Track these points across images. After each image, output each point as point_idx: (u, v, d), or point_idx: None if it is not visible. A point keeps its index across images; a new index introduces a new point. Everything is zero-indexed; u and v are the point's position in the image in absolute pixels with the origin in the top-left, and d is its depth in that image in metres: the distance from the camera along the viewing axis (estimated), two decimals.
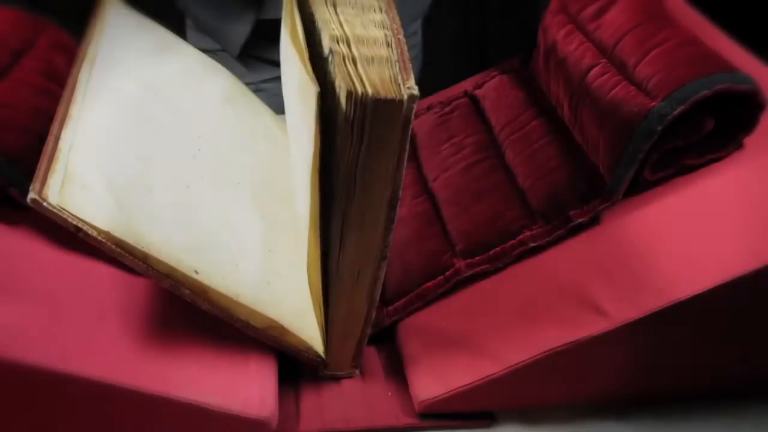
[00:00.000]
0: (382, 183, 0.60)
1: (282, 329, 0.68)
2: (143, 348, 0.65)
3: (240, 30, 1.10)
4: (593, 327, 0.66)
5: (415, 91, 0.55)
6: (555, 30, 0.85)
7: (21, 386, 0.61)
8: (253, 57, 1.17)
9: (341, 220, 0.62)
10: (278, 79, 1.18)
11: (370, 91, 0.55)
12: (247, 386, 0.66)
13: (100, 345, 0.63)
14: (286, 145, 0.89)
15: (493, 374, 0.68)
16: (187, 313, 0.66)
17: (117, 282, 0.69)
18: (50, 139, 0.65)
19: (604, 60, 0.78)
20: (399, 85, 0.56)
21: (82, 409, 0.64)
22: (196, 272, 0.64)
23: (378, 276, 0.67)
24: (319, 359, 0.71)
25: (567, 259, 0.73)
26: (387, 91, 0.55)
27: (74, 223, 0.59)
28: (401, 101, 0.55)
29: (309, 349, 0.70)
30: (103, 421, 0.65)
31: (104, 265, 0.68)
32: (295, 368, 0.74)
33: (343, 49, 0.60)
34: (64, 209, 0.59)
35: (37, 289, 0.65)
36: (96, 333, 0.64)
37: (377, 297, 0.69)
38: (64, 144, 0.64)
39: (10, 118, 0.72)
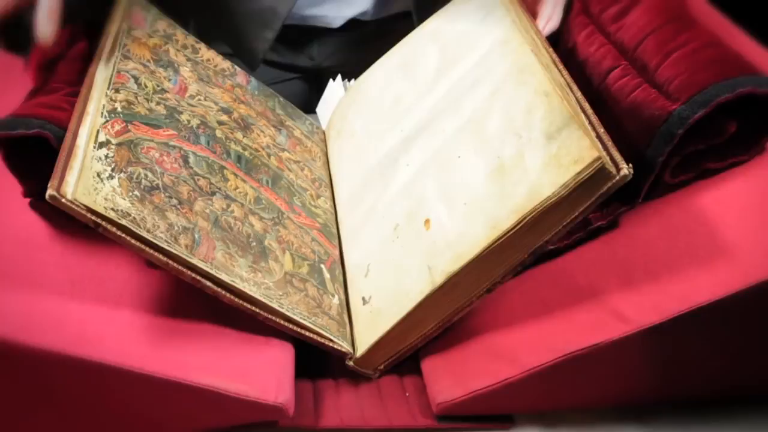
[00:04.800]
0: (541, 230, 0.64)
1: (299, 324, 0.69)
2: (159, 332, 0.66)
3: (262, 41, 1.09)
4: (613, 331, 0.65)
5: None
6: (576, 31, 0.85)
7: (37, 370, 0.62)
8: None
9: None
10: (284, 81, 1.19)
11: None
12: (263, 372, 0.67)
13: (116, 329, 0.64)
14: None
15: (512, 377, 0.67)
16: (205, 298, 0.66)
17: (135, 266, 0.70)
18: (68, 135, 0.65)
19: (624, 62, 0.78)
20: (617, 162, 0.61)
21: (97, 394, 0.65)
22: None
23: (471, 302, 0.69)
24: (345, 351, 0.71)
25: (586, 262, 0.72)
26: (609, 167, 0.61)
27: (93, 218, 0.60)
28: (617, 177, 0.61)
29: (331, 342, 0.70)
30: (119, 405, 0.66)
31: (123, 251, 0.68)
32: (314, 365, 0.74)
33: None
34: (81, 204, 0.60)
35: (55, 276, 0.67)
36: (112, 318, 0.65)
37: (453, 321, 0.70)
38: (81, 140, 0.65)
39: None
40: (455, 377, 0.70)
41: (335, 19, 1.11)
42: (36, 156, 0.67)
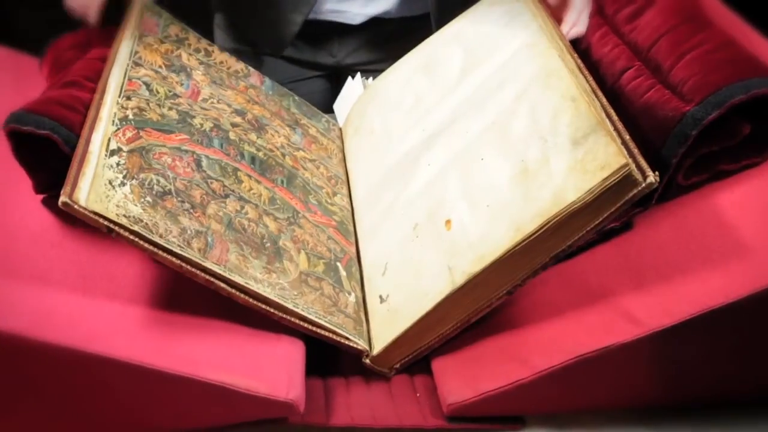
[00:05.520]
0: (564, 235, 0.65)
1: (315, 323, 0.69)
2: (170, 328, 0.67)
3: (291, 24, 1.09)
4: (624, 333, 0.65)
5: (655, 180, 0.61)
6: (590, 32, 0.85)
7: (50, 366, 0.63)
8: (280, 57, 1.17)
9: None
10: (305, 79, 1.19)
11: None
12: (274, 368, 0.67)
13: (128, 326, 0.66)
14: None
15: (523, 379, 0.67)
16: (216, 294, 0.67)
17: (146, 263, 0.71)
18: (81, 142, 0.66)
19: (638, 62, 0.78)
20: (643, 169, 0.61)
21: (108, 389, 0.65)
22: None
23: (491, 304, 0.69)
24: (362, 349, 0.71)
25: (598, 264, 0.72)
26: (636, 174, 0.61)
27: (105, 224, 0.61)
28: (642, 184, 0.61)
29: (347, 341, 0.71)
30: (130, 400, 0.67)
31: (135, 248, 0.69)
32: (324, 362, 0.74)
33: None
34: (94, 211, 0.61)
35: (67, 273, 0.68)
36: (124, 314, 0.66)
37: (472, 321, 0.70)
38: (93, 146, 0.66)
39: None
40: (466, 378, 0.70)
41: (357, 16, 1.12)
42: (45, 150, 0.68)
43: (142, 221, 0.63)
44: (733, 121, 0.69)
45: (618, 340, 0.65)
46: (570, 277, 0.73)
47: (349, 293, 0.75)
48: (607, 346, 0.65)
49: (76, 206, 0.60)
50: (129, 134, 0.70)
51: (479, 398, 0.68)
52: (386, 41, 1.14)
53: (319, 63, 1.18)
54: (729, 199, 0.70)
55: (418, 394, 0.73)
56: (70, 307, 0.65)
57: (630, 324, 0.66)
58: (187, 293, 0.69)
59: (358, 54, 1.17)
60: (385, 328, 0.72)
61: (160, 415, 0.68)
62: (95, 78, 0.76)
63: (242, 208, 0.73)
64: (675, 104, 0.70)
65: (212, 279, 0.65)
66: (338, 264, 0.77)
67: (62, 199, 0.60)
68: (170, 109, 0.77)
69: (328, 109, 1.06)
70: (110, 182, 0.64)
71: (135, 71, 0.78)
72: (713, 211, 0.70)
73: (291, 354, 0.70)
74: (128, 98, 0.74)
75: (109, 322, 0.65)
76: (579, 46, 0.85)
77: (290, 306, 0.68)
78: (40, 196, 0.72)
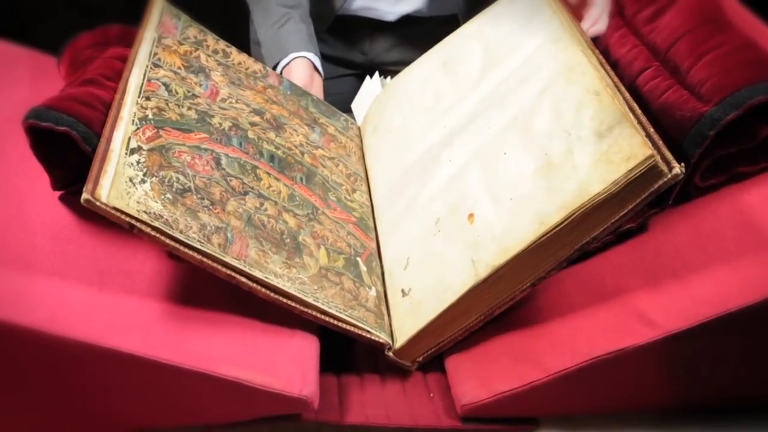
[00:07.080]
0: (588, 227, 0.65)
1: (335, 317, 0.70)
2: (185, 324, 0.67)
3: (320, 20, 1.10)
4: (640, 336, 0.65)
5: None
6: (609, 33, 0.85)
7: (66, 360, 0.63)
8: None
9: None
10: (337, 78, 1.20)
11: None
12: (289, 365, 0.68)
13: (143, 321, 0.66)
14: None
15: (537, 380, 0.67)
16: (232, 291, 0.67)
17: (162, 260, 0.71)
18: (102, 140, 0.67)
19: (656, 63, 0.77)
20: (669, 161, 0.62)
21: (123, 384, 0.66)
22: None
23: (515, 296, 0.69)
24: (384, 342, 0.72)
25: (614, 266, 0.72)
26: (661, 165, 0.61)
27: (127, 220, 0.62)
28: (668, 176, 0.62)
29: (369, 334, 0.71)
30: (145, 395, 0.67)
31: (151, 244, 0.69)
32: (339, 361, 0.75)
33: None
34: (115, 207, 0.61)
35: (84, 268, 0.69)
36: (140, 310, 0.67)
37: (496, 314, 0.71)
38: (114, 145, 0.67)
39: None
40: (480, 379, 0.70)
41: (389, 14, 1.13)
42: (63, 147, 0.69)
43: (162, 217, 0.64)
44: (751, 123, 0.68)
45: (633, 342, 0.65)
46: (585, 279, 0.73)
47: (370, 287, 0.75)
48: (622, 348, 0.65)
49: (98, 203, 0.61)
50: (149, 133, 0.71)
51: (493, 399, 0.68)
52: (419, 41, 1.14)
53: (351, 61, 1.18)
54: (746, 201, 0.70)
55: (432, 395, 0.73)
56: (86, 302, 0.66)
57: (645, 326, 0.66)
58: (202, 289, 0.70)
59: (390, 53, 1.17)
60: (408, 321, 0.72)
61: (174, 409, 0.69)
62: (113, 76, 0.77)
63: (261, 204, 0.74)
64: (693, 105, 0.69)
65: (233, 274, 0.66)
66: (358, 259, 0.77)
67: (84, 196, 0.61)
68: (189, 108, 0.77)
69: None
70: (131, 179, 0.65)
71: (154, 72, 0.79)
72: (730, 213, 0.69)
73: (305, 350, 0.70)
74: (147, 98, 0.74)
75: (124, 318, 0.66)
76: (597, 47, 0.85)
77: (310, 300, 0.69)
78: (58, 193, 0.73)
